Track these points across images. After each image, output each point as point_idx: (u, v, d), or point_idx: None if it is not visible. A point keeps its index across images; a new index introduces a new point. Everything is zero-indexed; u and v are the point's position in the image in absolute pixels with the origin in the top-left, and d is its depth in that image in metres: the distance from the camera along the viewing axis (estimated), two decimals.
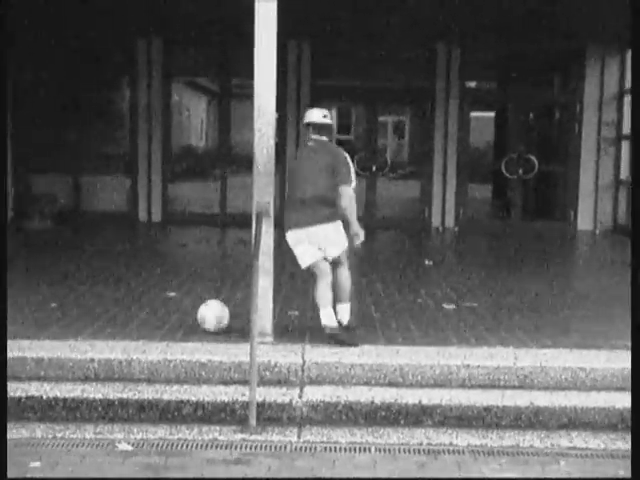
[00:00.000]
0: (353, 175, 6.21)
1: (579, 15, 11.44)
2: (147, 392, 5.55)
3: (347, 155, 6.30)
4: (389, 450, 5.09)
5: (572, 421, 5.45)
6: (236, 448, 5.05)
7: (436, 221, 14.56)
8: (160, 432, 5.26)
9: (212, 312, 6.47)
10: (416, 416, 5.44)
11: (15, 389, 5.49)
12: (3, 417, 4.86)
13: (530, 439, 5.29)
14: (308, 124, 6.38)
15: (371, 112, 15.75)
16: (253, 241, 5.82)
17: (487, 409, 5.46)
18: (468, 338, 6.48)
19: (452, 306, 7.68)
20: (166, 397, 5.50)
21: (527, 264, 10.56)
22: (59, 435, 5.19)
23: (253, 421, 5.30)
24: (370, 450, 5.09)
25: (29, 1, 10.60)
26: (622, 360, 5.92)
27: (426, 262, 10.58)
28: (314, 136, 6.35)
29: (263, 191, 6.08)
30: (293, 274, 8.88)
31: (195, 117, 27.13)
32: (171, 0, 10.56)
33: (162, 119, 14.52)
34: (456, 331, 6.71)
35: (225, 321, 6.49)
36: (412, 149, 24.22)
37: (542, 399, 5.56)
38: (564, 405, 5.51)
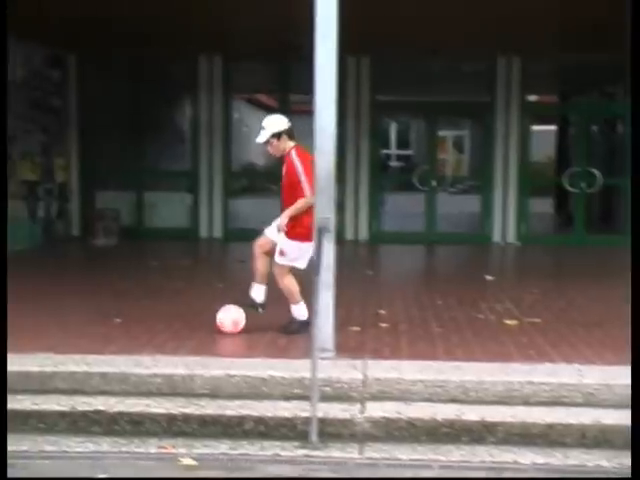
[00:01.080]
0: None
1: None
2: (209, 407, 5.58)
3: None
4: (452, 467, 5.05)
5: None
6: (298, 464, 5.06)
7: (497, 235, 14.43)
8: (222, 447, 5.29)
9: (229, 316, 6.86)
10: (479, 433, 5.38)
11: (81, 403, 5.59)
12: (3, 417, 4.96)
13: (597, 458, 5.19)
14: (284, 131, 6.70)
15: (431, 126, 15.71)
16: (314, 256, 5.84)
17: (551, 426, 5.37)
18: (531, 354, 6.39)
19: (514, 321, 7.59)
20: (228, 412, 5.53)
21: (590, 279, 10.38)
22: (124, 449, 5.26)
23: (314, 437, 5.30)
24: (432, 467, 5.05)
25: (93, 19, 10.82)
26: None
27: (487, 277, 10.49)
28: (294, 142, 6.75)
29: (324, 207, 6.10)
30: (354, 289, 8.89)
31: (255, 133, 27.37)
32: (232, 17, 10.68)
33: (223, 135, 14.69)
34: (518, 347, 6.63)
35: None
36: (472, 163, 24.08)
37: (608, 417, 5.46)
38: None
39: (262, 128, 6.72)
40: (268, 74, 15.55)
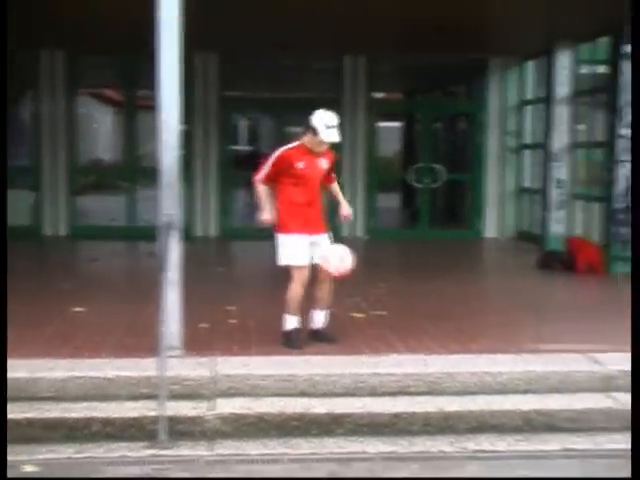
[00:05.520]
0: (264, 170, 6.52)
1: (482, 29, 11.71)
2: (54, 410, 5.42)
3: (277, 153, 6.53)
4: (301, 460, 5.10)
5: (480, 425, 5.55)
6: (146, 464, 4.98)
7: (346, 230, 14.64)
8: (68, 451, 5.15)
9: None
10: (327, 425, 5.46)
11: None
12: (3, 417, 4.81)
13: (440, 444, 5.36)
14: None
15: (280, 123, 15.78)
16: (160, 254, 5.77)
17: (397, 416, 5.51)
18: (378, 346, 6.54)
19: (362, 315, 7.74)
20: (74, 415, 5.39)
21: (436, 272, 10.71)
22: None
23: (163, 436, 5.24)
24: (283, 461, 5.08)
25: None
26: (527, 363, 6.08)
27: None
28: None
29: (169, 203, 6.04)
30: (204, 286, 8.83)
31: (102, 129, 26.75)
32: (73, 10, 10.35)
33: (67, 131, 14.26)
34: (366, 340, 6.76)
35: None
36: None
37: (451, 404, 5.65)
38: (472, 409, 5.61)
39: (336, 127, 6.47)
40: (114, 69, 15.19)
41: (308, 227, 6.54)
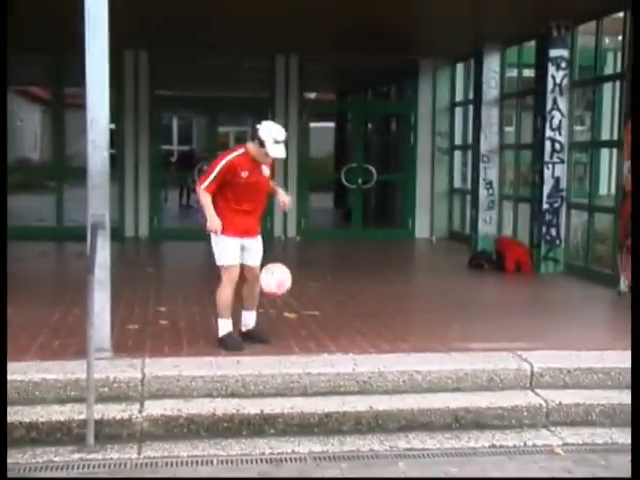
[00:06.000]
0: (209, 177, 6.33)
1: (412, 31, 11.81)
2: None
3: (224, 161, 6.35)
4: (231, 461, 5.07)
5: (410, 423, 5.60)
6: (73, 468, 4.90)
7: (278, 230, 14.65)
8: None
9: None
10: (258, 426, 5.44)
11: None
12: (3, 418, 4.74)
13: (370, 443, 5.39)
14: None
15: (212, 122, 15.71)
16: (88, 255, 5.68)
17: (328, 415, 5.52)
18: (309, 346, 6.54)
19: (294, 315, 7.74)
20: None
21: (368, 271, 10.77)
22: None
23: (91, 440, 5.15)
24: (212, 462, 5.05)
25: None
26: (456, 362, 6.14)
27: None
28: None
29: (98, 203, 5.95)
30: (134, 287, 8.73)
31: (30, 127, 26.24)
32: None
33: None
34: (297, 340, 6.76)
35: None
36: None
37: (381, 403, 5.68)
38: (402, 408, 5.65)
39: (283, 142, 6.39)
40: (41, 67, 14.89)
41: (242, 232, 6.48)
